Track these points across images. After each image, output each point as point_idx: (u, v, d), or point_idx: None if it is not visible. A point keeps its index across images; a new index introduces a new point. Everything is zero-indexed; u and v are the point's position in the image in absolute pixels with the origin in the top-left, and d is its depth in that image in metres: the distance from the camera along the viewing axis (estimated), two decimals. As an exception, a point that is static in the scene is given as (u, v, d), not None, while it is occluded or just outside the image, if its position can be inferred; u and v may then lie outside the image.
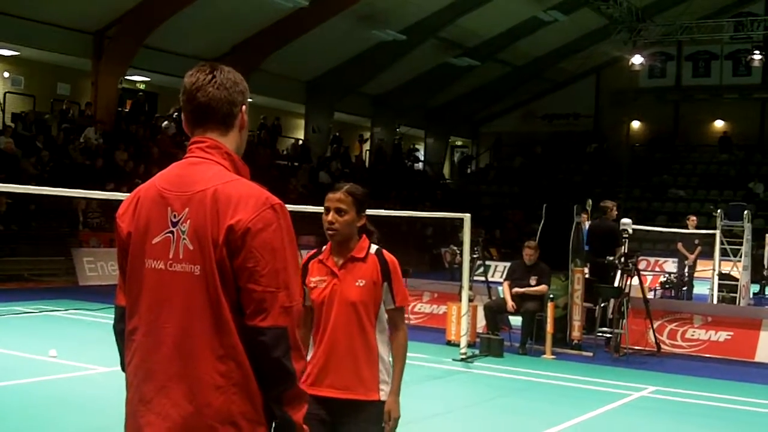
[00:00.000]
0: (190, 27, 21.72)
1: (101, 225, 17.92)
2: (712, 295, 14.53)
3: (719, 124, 33.13)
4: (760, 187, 28.98)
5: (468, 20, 26.07)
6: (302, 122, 29.32)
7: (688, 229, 15.98)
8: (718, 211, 15.29)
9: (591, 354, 10.08)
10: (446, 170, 36.95)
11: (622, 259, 10.25)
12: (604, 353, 10.21)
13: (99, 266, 16.54)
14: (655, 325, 10.45)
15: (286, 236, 2.10)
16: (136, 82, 24.27)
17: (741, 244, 14.80)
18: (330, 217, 3.37)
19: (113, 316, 2.32)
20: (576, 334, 10.36)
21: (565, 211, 10.78)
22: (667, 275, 17.25)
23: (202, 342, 2.07)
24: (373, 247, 3.47)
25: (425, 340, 10.85)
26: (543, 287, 10.10)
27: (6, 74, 21.52)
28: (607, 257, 10.58)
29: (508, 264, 12.89)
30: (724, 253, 14.89)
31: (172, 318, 2.10)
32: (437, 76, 29.86)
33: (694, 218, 16.44)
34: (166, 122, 22.61)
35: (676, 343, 10.62)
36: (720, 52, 32.38)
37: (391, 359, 3.47)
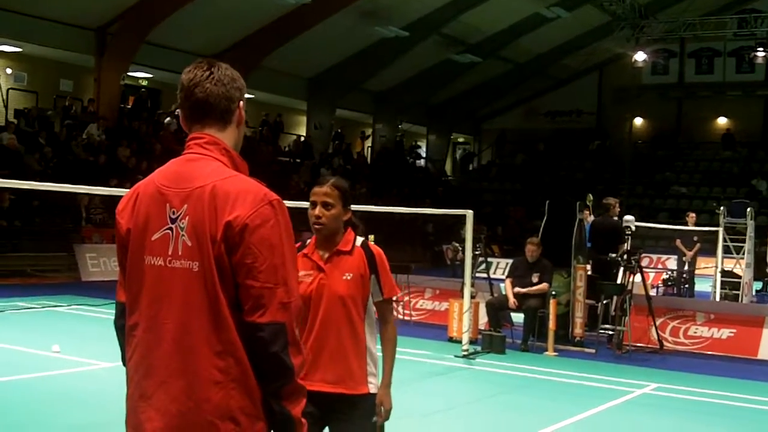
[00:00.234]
0: (192, 23, 21.72)
1: (104, 221, 17.94)
2: (715, 292, 14.52)
3: (722, 121, 33.09)
4: (763, 185, 28.94)
5: (470, 17, 26.04)
6: (304, 119, 29.32)
7: (687, 226, 15.99)
8: (721, 208, 15.28)
9: (593, 351, 10.08)
10: (448, 167, 36.94)
11: (625, 256, 10.24)
12: (607, 350, 10.21)
13: (102, 262, 16.55)
14: (657, 323, 10.45)
15: (284, 232, 2.11)
16: (138, 78, 24.29)
17: (744, 241, 14.79)
18: (317, 211, 3.36)
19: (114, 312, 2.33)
20: (578, 331, 10.35)
21: (568, 208, 10.77)
22: (669, 272, 17.25)
23: (201, 338, 2.08)
24: (359, 240, 3.47)
25: (427, 336, 10.86)
26: (544, 286, 10.09)
27: (9, 70, 21.54)
28: (610, 254, 10.57)
29: (509, 261, 12.88)
30: (726, 251, 14.88)
31: (172, 314, 2.11)
32: (439, 73, 29.83)
33: (693, 215, 16.48)
34: (168, 118, 22.62)
35: (678, 340, 10.61)
36: (723, 48, 32.31)
37: (379, 352, 3.47)
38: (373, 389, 3.41)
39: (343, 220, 3.41)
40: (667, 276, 16.77)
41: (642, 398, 7.93)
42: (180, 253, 2.11)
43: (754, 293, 16.13)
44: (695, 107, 33.19)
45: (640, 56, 27.60)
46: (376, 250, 3.49)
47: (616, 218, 11.34)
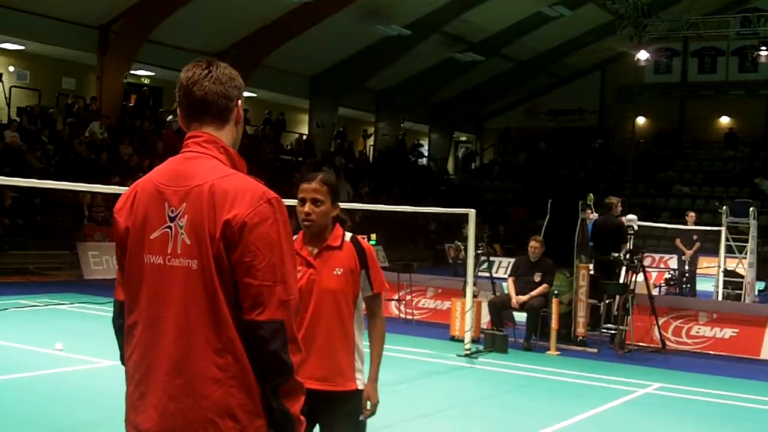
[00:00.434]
0: (194, 22, 21.73)
1: (106, 219, 17.95)
2: (718, 292, 14.51)
3: (725, 120, 33.05)
4: (765, 184, 28.89)
5: (473, 15, 26.02)
6: (306, 117, 29.31)
7: (687, 225, 15.99)
8: (724, 207, 15.26)
9: (596, 350, 10.08)
10: (450, 166, 36.92)
11: (628, 256, 10.23)
12: (609, 350, 10.21)
13: (104, 260, 16.56)
14: (660, 322, 10.44)
15: (283, 230, 2.11)
16: (140, 76, 24.30)
17: (746, 241, 14.77)
18: (307, 208, 3.33)
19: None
20: (580, 330, 10.35)
21: (570, 207, 10.77)
22: (671, 272, 17.24)
23: (200, 336, 2.08)
24: (348, 235, 3.45)
25: (429, 335, 10.87)
26: (545, 287, 10.07)
27: (11, 68, 21.54)
28: (613, 254, 10.56)
29: (511, 260, 12.88)
30: (729, 250, 14.87)
31: (171, 312, 2.12)
32: (442, 72, 29.81)
33: (693, 214, 16.52)
34: (170, 117, 22.62)
35: (681, 340, 10.61)
36: (726, 48, 32.28)
37: (364, 347, 3.46)
38: (360, 385, 3.41)
39: (332, 216, 3.39)
40: (670, 275, 16.76)
41: (644, 398, 7.92)
42: (179, 251, 2.12)
43: (756, 293, 16.12)
44: (698, 106, 33.15)
45: (642, 55, 27.57)
46: (366, 244, 3.48)
47: (617, 217, 11.33)
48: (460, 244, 15.31)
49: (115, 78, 21.67)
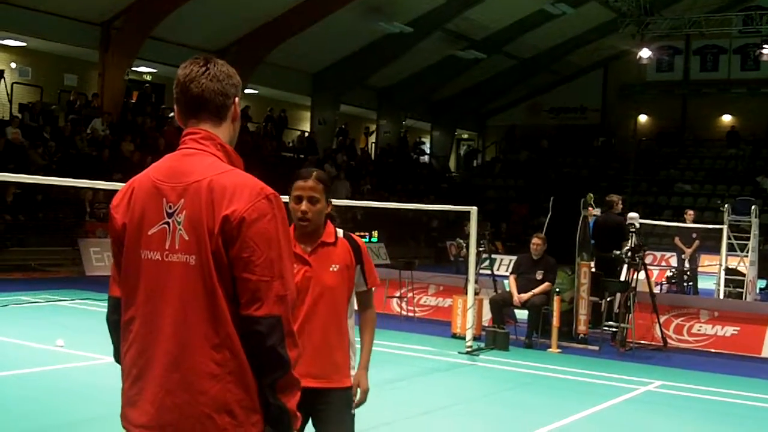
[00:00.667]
0: (196, 18, 21.72)
1: (108, 216, 17.95)
2: (719, 290, 14.50)
3: (727, 118, 33.02)
4: (767, 182, 28.87)
5: (475, 13, 26.00)
6: (308, 114, 29.31)
7: (685, 223, 15.99)
8: (725, 205, 15.25)
9: (597, 348, 10.07)
10: (452, 163, 36.92)
11: (629, 253, 10.22)
12: (610, 347, 10.20)
13: (105, 256, 16.56)
14: (661, 320, 10.44)
15: (281, 226, 2.12)
16: (142, 73, 24.29)
17: (748, 239, 14.76)
18: (304, 206, 3.29)
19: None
20: (582, 328, 10.35)
21: (572, 205, 10.75)
22: (673, 270, 17.23)
23: (198, 331, 2.09)
24: (340, 231, 3.45)
25: (431, 333, 10.87)
26: (547, 286, 10.07)
27: (13, 65, 21.55)
28: (614, 251, 10.55)
29: (513, 257, 12.88)
30: (731, 248, 14.85)
31: (169, 308, 2.12)
32: (444, 69, 29.80)
33: (692, 212, 16.54)
34: (172, 113, 22.63)
35: (682, 337, 10.60)
36: (728, 46, 32.25)
37: (357, 342, 3.46)
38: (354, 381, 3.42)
39: (326, 213, 3.37)
40: (671, 273, 16.75)
41: (645, 395, 7.92)
42: (177, 247, 2.12)
43: (758, 291, 16.10)
44: (700, 104, 33.12)
45: (645, 53, 27.54)
46: (360, 240, 3.48)
47: (618, 215, 11.32)
48: (461, 241, 15.29)
49: (117, 75, 21.67)
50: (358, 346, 3.47)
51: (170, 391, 2.09)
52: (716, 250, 15.42)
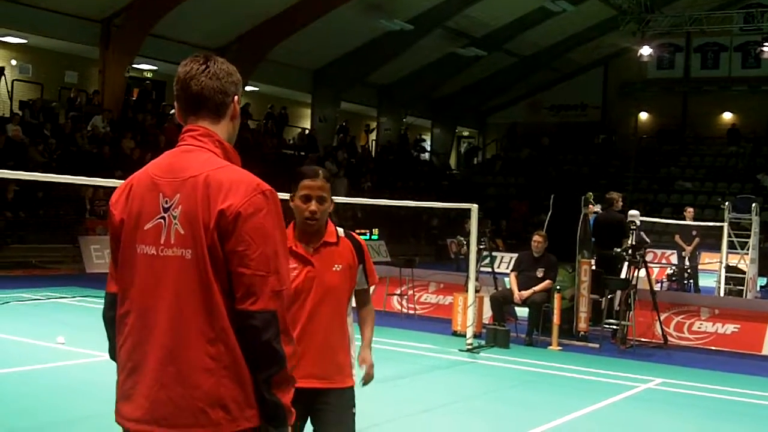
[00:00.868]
0: (197, 16, 21.71)
1: (107, 212, 17.97)
2: (719, 287, 14.50)
3: (727, 116, 33.00)
4: (768, 180, 28.89)
5: (475, 10, 25.98)
6: (309, 112, 29.30)
7: (685, 221, 15.99)
8: (726, 203, 15.24)
9: (597, 346, 10.08)
10: (452, 161, 36.90)
11: (630, 251, 10.22)
12: (611, 345, 10.20)
13: (106, 254, 16.55)
14: (662, 317, 10.44)
15: (276, 222, 2.13)
16: (143, 70, 24.28)
17: (748, 236, 14.76)
18: (314, 206, 3.25)
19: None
20: (582, 325, 10.35)
21: (573, 203, 10.75)
22: (673, 267, 17.23)
23: (193, 325, 2.09)
24: (341, 230, 3.43)
25: (431, 330, 10.87)
26: (548, 283, 10.07)
27: (14, 62, 21.54)
28: (615, 249, 10.55)
29: (513, 255, 12.86)
30: (731, 246, 14.85)
31: (164, 302, 2.13)
32: (444, 66, 29.78)
33: (691, 210, 16.54)
34: (173, 110, 22.61)
35: (682, 335, 10.60)
36: (729, 43, 32.22)
37: (357, 339, 3.47)
38: (357, 380, 3.42)
39: (329, 212, 3.36)
40: (672, 271, 16.75)
41: (646, 393, 7.92)
42: (172, 241, 2.13)
43: (758, 289, 16.09)
44: (700, 102, 33.11)
45: (645, 50, 27.53)
46: (360, 239, 3.48)
47: (619, 212, 11.31)
48: (462, 239, 15.27)
49: (118, 72, 21.67)
50: (357, 343, 3.47)
51: (165, 384, 2.10)
52: (717, 248, 15.42)
